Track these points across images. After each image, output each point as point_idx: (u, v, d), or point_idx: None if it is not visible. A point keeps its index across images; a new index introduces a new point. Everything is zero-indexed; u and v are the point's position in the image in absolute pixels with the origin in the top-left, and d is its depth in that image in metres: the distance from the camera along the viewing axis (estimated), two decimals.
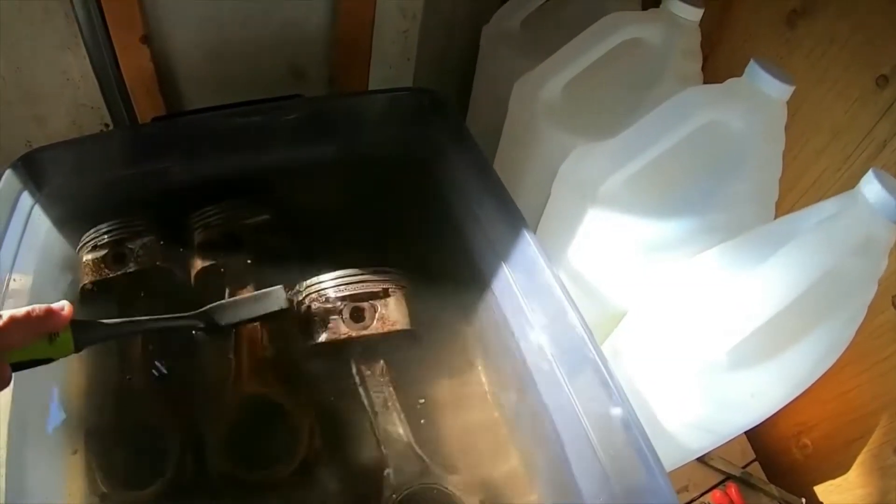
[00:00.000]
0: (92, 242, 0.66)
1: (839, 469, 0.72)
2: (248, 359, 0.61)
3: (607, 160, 0.62)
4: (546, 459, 0.58)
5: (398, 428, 0.58)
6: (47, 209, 0.65)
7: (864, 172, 0.49)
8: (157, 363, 0.61)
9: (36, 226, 0.64)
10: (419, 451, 0.57)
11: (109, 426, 0.59)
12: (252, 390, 0.59)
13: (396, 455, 0.57)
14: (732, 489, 0.77)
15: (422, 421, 0.60)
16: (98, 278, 0.64)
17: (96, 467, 0.56)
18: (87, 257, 0.65)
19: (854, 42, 0.65)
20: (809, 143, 0.70)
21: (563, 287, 0.57)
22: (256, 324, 0.62)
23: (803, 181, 0.72)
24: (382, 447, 0.57)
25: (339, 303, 0.60)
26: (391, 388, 0.59)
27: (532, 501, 0.58)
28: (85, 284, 0.64)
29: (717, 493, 0.77)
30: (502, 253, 0.62)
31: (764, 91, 0.55)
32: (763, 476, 0.81)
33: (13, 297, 0.60)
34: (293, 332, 0.61)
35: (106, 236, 0.65)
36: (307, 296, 0.61)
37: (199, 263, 0.64)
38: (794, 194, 0.73)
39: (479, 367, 0.64)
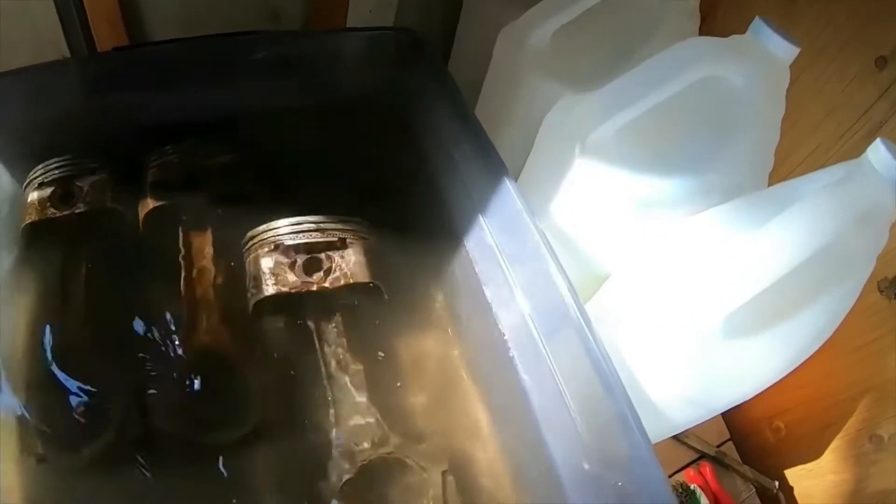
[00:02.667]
0: (39, 179, 0.58)
1: (812, 454, 0.69)
2: (200, 309, 0.54)
3: (598, 109, 0.55)
4: (518, 427, 0.51)
5: (353, 393, 0.51)
6: None
7: (857, 152, 0.45)
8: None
9: None
10: (378, 418, 0.50)
11: (46, 380, 0.52)
12: (203, 345, 0.53)
13: (352, 422, 0.50)
14: (706, 468, 0.71)
15: (383, 385, 0.53)
16: (42, 218, 0.57)
17: (31, 426, 0.49)
18: (33, 195, 0.58)
19: (853, 22, 0.60)
20: (803, 119, 0.65)
21: (546, 241, 0.49)
22: (211, 272, 0.55)
23: (795, 156, 0.67)
24: (338, 413, 0.50)
25: (292, 252, 0.53)
26: (346, 348, 0.52)
27: (500, 472, 0.52)
28: (27, 225, 0.57)
29: (690, 471, 0.71)
30: (481, 205, 0.54)
31: (769, 50, 0.50)
32: (737, 457, 0.75)
33: None
34: (246, 283, 0.54)
35: (54, 173, 0.58)
36: (259, 243, 0.54)
37: (150, 203, 0.57)
38: (784, 168, 0.66)
39: (449, 328, 0.57)
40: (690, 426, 0.61)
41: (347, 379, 0.51)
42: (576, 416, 0.46)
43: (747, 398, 0.53)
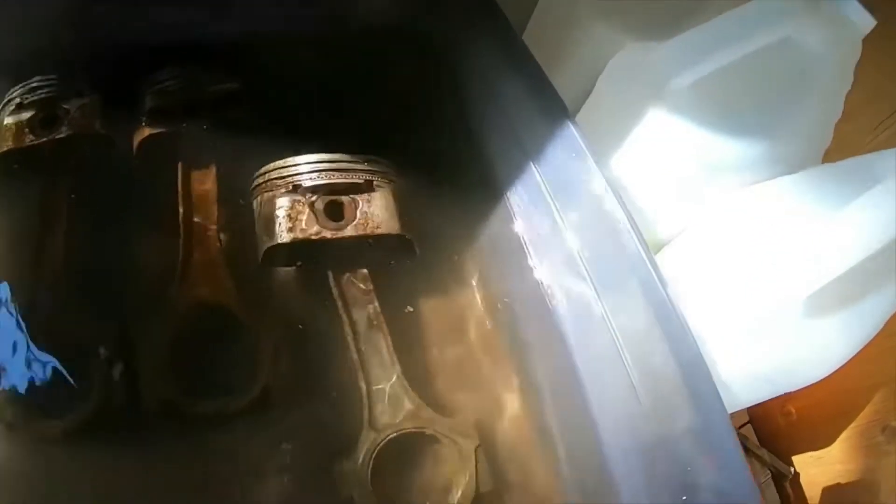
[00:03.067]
0: (17, 101, 0.49)
1: (822, 442, 0.66)
2: (199, 256, 0.46)
3: (673, 59, 0.50)
4: (564, 398, 0.44)
5: (384, 356, 0.44)
6: None
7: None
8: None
9: None
10: (408, 387, 0.43)
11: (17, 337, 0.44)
12: (202, 298, 0.45)
13: (380, 390, 0.43)
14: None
15: (412, 350, 0.45)
16: (18, 146, 0.48)
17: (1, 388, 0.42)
18: (9, 119, 0.49)
19: None
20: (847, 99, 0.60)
21: (614, 190, 0.42)
22: (213, 214, 0.47)
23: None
24: (363, 379, 0.43)
25: (311, 194, 0.45)
26: (376, 304, 0.45)
27: (539, 448, 0.44)
28: (1, 154, 0.48)
29: None
30: (532, 149, 0.46)
31: (850, 18, 0.48)
32: (756, 440, 0.71)
33: None
34: (255, 226, 0.46)
35: (36, 94, 0.49)
36: (271, 181, 0.46)
37: (146, 131, 0.49)
38: None
39: (486, 288, 0.49)
40: (751, 404, 0.56)
41: (378, 341, 0.44)
42: (636, 383, 0.40)
43: (818, 379, 0.49)
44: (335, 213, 0.45)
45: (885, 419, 0.59)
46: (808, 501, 0.67)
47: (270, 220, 0.44)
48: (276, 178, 0.45)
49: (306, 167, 0.45)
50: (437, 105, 0.53)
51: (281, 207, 0.44)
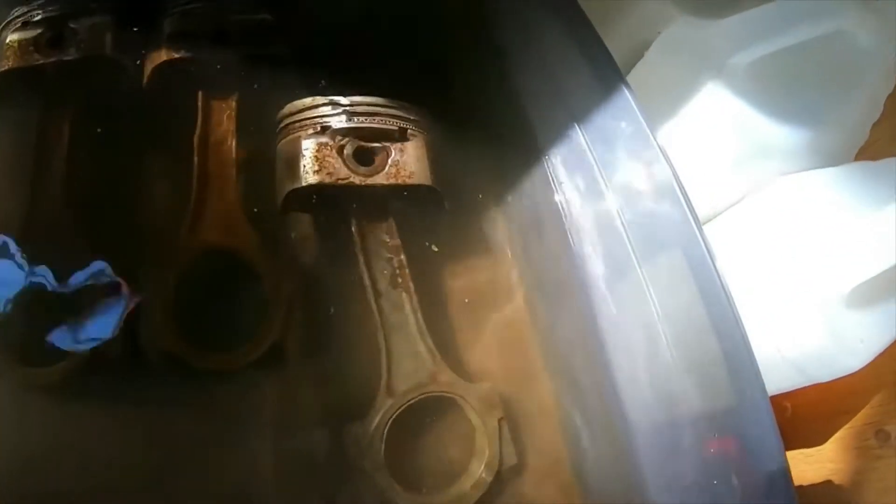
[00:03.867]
0: (23, 18, 0.45)
1: (815, 440, 0.64)
2: (214, 196, 0.42)
3: (733, 37, 0.49)
4: (595, 370, 0.41)
5: (407, 314, 0.40)
6: None
7: None
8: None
9: None
10: (432, 348, 0.40)
11: (8, 272, 0.40)
12: (215, 242, 0.41)
13: (401, 350, 0.40)
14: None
15: (435, 310, 0.42)
16: (22, 65, 0.44)
17: None
18: (14, 37, 0.45)
19: None
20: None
21: (667, 158, 0.39)
22: (231, 150, 0.43)
23: None
24: (384, 338, 0.40)
25: (340, 137, 0.41)
26: (402, 258, 0.41)
27: (565, 423, 0.42)
28: (3, 72, 0.44)
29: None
30: (578, 110, 0.42)
31: None
32: None
33: None
34: (276, 168, 0.43)
35: (44, 11, 0.45)
36: (297, 122, 0.42)
37: (162, 55, 0.44)
38: None
39: (517, 250, 0.46)
40: (779, 392, 0.54)
41: (402, 298, 0.41)
42: (672, 358, 0.37)
43: (848, 372, 0.47)
44: (365, 159, 0.41)
45: (880, 422, 0.58)
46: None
47: (295, 161, 0.41)
48: (303, 119, 0.42)
49: (337, 108, 0.41)
50: (479, 58, 0.49)
51: (307, 149, 0.41)
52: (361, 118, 0.41)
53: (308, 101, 0.42)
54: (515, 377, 0.43)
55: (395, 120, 0.42)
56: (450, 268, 0.45)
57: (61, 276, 0.40)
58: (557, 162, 0.45)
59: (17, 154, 0.44)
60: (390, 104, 0.42)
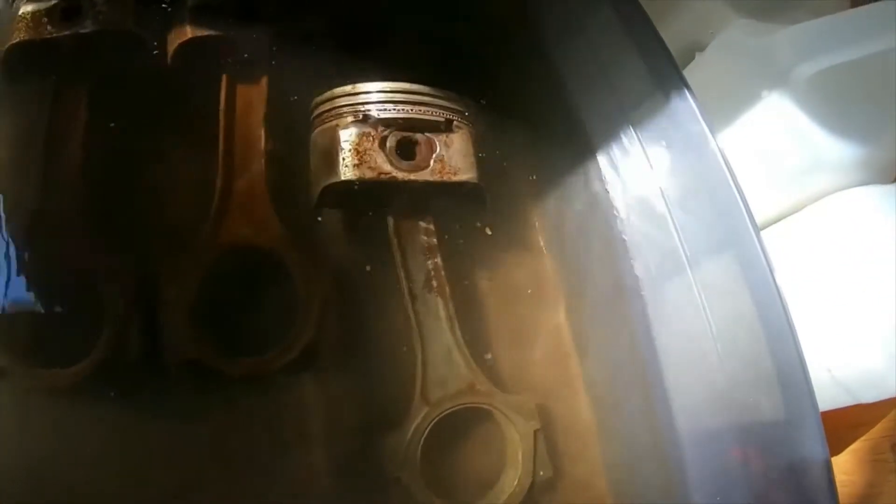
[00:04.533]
0: None
1: (830, 450, 0.63)
2: (241, 188, 0.39)
3: (798, 47, 0.47)
4: (636, 382, 0.39)
5: (442, 320, 0.37)
6: None
7: None
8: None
9: None
10: (468, 357, 0.37)
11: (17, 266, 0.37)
12: (242, 237, 0.38)
13: (436, 357, 0.37)
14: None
15: (473, 316, 0.39)
16: (33, 38, 0.40)
17: None
18: (27, 7, 0.41)
19: None
20: None
21: (726, 161, 0.36)
22: (261, 138, 0.40)
23: None
24: (419, 343, 0.37)
25: (383, 127, 0.38)
26: (439, 261, 0.38)
27: (604, 436, 0.39)
28: (11, 45, 0.40)
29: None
30: (630, 108, 0.39)
31: None
32: None
33: None
34: (310, 159, 0.39)
35: None
36: (334, 109, 0.38)
37: (187, 32, 0.40)
38: None
39: (557, 249, 0.43)
40: (824, 410, 0.53)
41: (438, 303, 0.37)
42: (721, 366, 0.35)
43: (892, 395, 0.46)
44: (407, 152, 0.38)
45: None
46: None
47: (332, 153, 0.37)
48: (342, 106, 0.38)
49: (380, 96, 0.38)
50: (525, 48, 0.45)
51: (347, 140, 0.37)
52: (406, 107, 0.38)
53: (347, 87, 0.39)
54: (553, 386, 0.41)
55: (441, 110, 0.38)
56: (486, 268, 0.42)
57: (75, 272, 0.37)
58: (607, 160, 0.42)
59: (28, 136, 0.41)
60: (436, 93, 0.39)
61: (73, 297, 0.37)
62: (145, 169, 0.40)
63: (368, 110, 0.38)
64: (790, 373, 0.33)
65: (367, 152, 0.37)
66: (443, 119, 0.38)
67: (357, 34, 0.43)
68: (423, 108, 0.38)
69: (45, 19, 0.40)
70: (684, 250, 0.37)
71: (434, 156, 0.38)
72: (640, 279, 0.39)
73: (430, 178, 0.37)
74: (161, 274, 0.37)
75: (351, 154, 0.37)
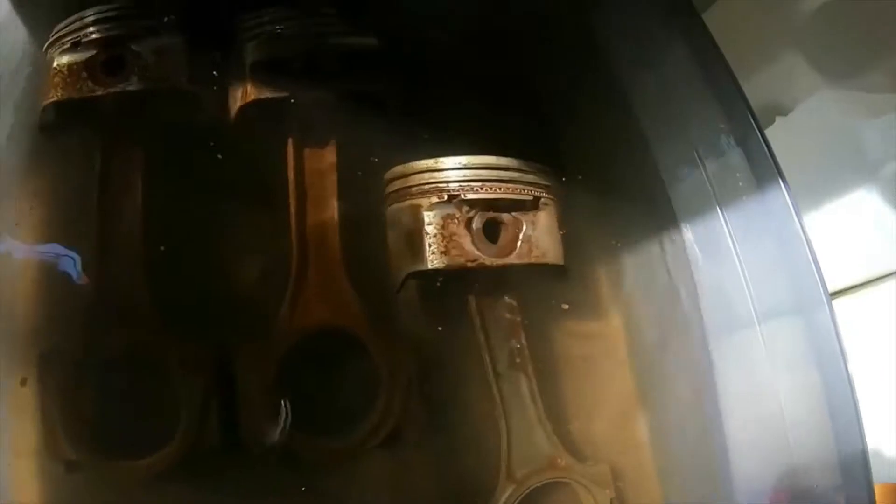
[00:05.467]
0: (72, 37, 0.36)
1: None
2: (316, 265, 0.37)
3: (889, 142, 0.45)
4: (703, 449, 0.40)
5: (525, 397, 0.37)
6: None
7: None
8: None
9: None
10: (550, 432, 0.37)
11: (82, 350, 0.34)
12: (321, 319, 0.36)
13: (520, 434, 0.37)
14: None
15: (551, 390, 0.39)
16: (74, 96, 0.36)
17: (59, 418, 0.33)
18: (63, 60, 0.36)
19: None
20: None
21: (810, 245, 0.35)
22: (333, 209, 0.37)
23: None
24: (504, 421, 0.36)
25: (468, 208, 0.36)
26: (522, 339, 0.37)
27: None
28: (50, 103, 0.36)
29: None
30: (705, 156, 0.38)
31: None
32: None
33: None
34: (388, 235, 0.37)
35: (97, 28, 0.36)
36: (415, 186, 0.36)
37: (251, 92, 0.37)
38: None
39: (628, 311, 0.43)
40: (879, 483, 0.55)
41: (521, 380, 0.37)
42: (788, 433, 0.35)
43: None
44: (493, 233, 0.36)
45: None
46: None
47: (416, 236, 0.35)
48: (424, 183, 0.36)
49: (466, 173, 0.36)
50: (603, 111, 0.43)
51: (431, 223, 0.35)
52: (494, 185, 0.36)
53: (429, 161, 0.36)
54: (621, 450, 0.41)
55: (528, 187, 0.36)
56: (559, 340, 0.41)
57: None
58: (682, 220, 0.41)
59: (77, 203, 0.37)
60: (524, 167, 0.36)
61: (145, 387, 0.35)
62: (208, 239, 0.38)
63: (453, 189, 0.35)
64: (850, 443, 0.34)
65: (454, 237, 0.35)
66: (530, 197, 0.36)
67: (425, 97, 0.40)
68: (510, 186, 0.36)
69: (85, 73, 0.36)
70: (758, 322, 0.37)
71: (521, 236, 0.36)
72: (706, 342, 0.39)
73: (518, 261, 0.36)
74: (238, 361, 0.35)
75: (437, 239, 0.35)
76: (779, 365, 0.36)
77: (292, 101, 0.37)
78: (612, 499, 0.38)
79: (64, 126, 0.37)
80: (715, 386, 0.37)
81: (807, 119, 0.46)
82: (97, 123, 0.37)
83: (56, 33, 0.37)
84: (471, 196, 0.35)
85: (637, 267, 0.41)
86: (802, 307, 0.36)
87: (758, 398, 0.36)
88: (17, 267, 0.37)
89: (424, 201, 0.36)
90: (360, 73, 0.38)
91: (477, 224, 0.36)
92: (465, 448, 0.38)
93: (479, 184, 0.36)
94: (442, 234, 0.35)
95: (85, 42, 0.36)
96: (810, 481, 0.35)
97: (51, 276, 0.37)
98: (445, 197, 0.35)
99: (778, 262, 0.38)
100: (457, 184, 0.36)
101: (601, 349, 0.42)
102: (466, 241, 0.35)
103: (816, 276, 0.35)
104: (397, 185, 0.37)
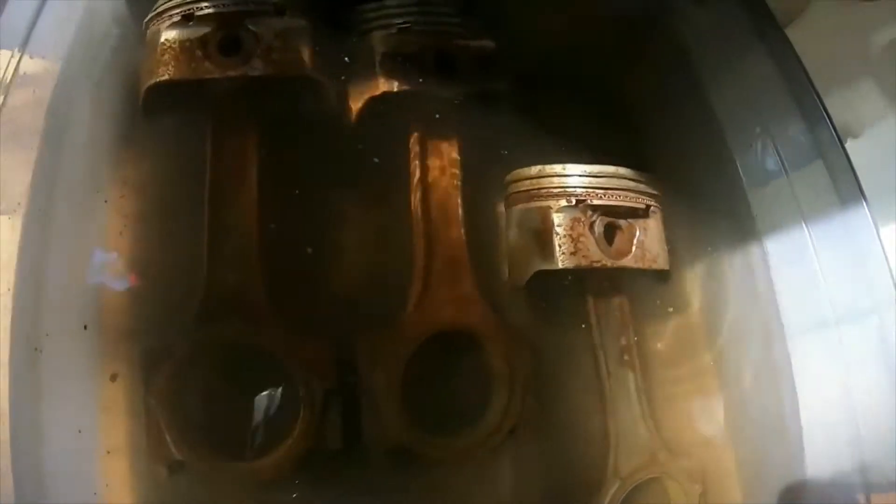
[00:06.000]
0: (183, 9, 0.34)
1: None
2: (441, 265, 0.36)
3: None
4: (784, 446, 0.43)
5: (632, 394, 0.39)
6: None
7: None
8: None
9: None
10: (652, 429, 0.39)
11: (186, 342, 0.32)
12: (446, 318, 0.36)
13: (626, 431, 0.38)
14: None
15: (653, 388, 0.41)
16: (189, 76, 0.33)
17: (164, 418, 0.31)
18: (170, 35, 0.33)
19: None
20: None
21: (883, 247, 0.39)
22: (456, 210, 0.37)
23: None
24: (612, 418, 0.38)
25: (591, 212, 0.37)
26: (633, 336, 0.39)
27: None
28: (156, 83, 0.33)
29: None
30: (807, 207, 0.41)
31: None
32: None
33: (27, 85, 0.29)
34: (510, 234, 0.38)
35: (212, 2, 0.33)
36: (543, 189, 0.37)
37: (382, 84, 0.35)
38: None
39: (714, 316, 0.45)
40: None
41: (629, 377, 0.39)
42: (861, 433, 0.38)
43: None
44: (610, 237, 0.38)
45: None
46: None
47: (545, 236, 0.36)
48: (553, 187, 0.37)
49: (592, 181, 0.37)
50: (691, 123, 0.45)
51: (561, 225, 0.36)
52: (615, 192, 0.37)
53: (557, 167, 0.37)
54: (706, 445, 0.44)
55: (643, 197, 0.38)
56: (657, 339, 0.43)
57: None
58: (765, 228, 0.43)
59: (176, 193, 0.34)
60: (639, 178, 0.38)
61: (259, 386, 0.34)
62: (328, 236, 0.36)
63: (580, 195, 0.37)
64: None
65: (580, 239, 0.36)
66: (644, 205, 0.38)
67: (535, 99, 0.40)
68: (629, 195, 0.38)
69: (200, 52, 0.33)
70: (834, 321, 0.39)
71: (634, 241, 0.38)
72: (787, 344, 0.40)
73: (633, 265, 0.38)
74: (363, 359, 0.34)
75: (567, 241, 0.36)
76: (852, 364, 0.40)
77: (420, 95, 0.36)
78: (700, 493, 0.40)
79: (172, 108, 0.34)
80: (793, 384, 0.41)
81: (872, 146, 0.49)
82: (210, 107, 0.35)
83: (162, 4, 0.34)
84: (596, 202, 0.37)
85: (723, 270, 0.44)
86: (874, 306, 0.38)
87: (832, 396, 0.40)
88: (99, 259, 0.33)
89: (554, 203, 0.36)
90: (484, 71, 0.38)
91: (599, 228, 0.37)
92: (573, 443, 0.39)
93: (602, 191, 0.37)
94: (570, 235, 0.36)
95: (199, 16, 0.34)
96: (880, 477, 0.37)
97: (148, 269, 0.34)
98: (574, 201, 0.36)
99: (854, 268, 0.40)
100: (583, 189, 0.37)
101: (689, 347, 0.44)
102: (591, 243, 0.37)
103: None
104: (523, 186, 0.37)
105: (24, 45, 0.32)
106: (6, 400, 0.27)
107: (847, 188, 0.39)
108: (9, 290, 0.27)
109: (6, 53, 0.31)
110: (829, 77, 0.48)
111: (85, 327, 0.31)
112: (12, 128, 0.31)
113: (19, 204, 0.30)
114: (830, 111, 0.48)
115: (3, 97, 0.30)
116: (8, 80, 0.31)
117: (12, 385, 0.27)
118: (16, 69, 0.31)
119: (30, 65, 0.32)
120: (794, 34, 0.46)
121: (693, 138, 0.45)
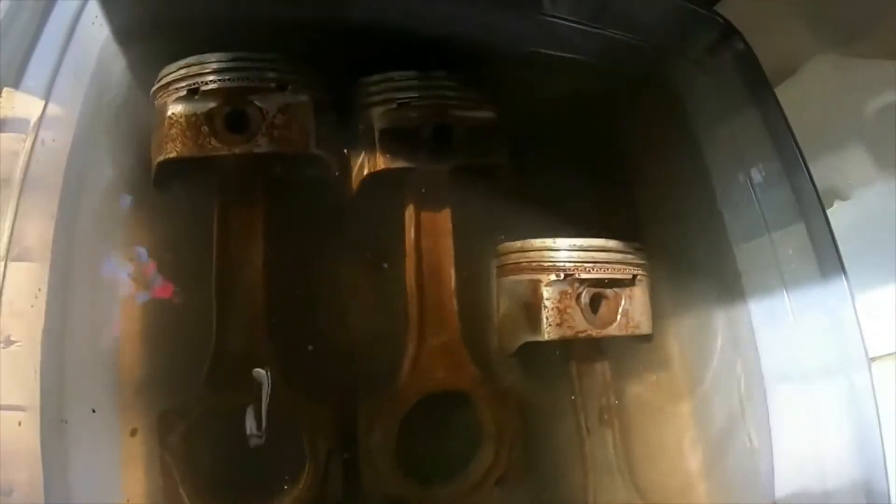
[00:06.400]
0: (188, 83, 0.34)
1: None
2: (434, 329, 0.38)
3: None
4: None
5: (610, 451, 0.41)
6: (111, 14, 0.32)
7: None
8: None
9: (86, 39, 0.32)
10: (628, 480, 0.42)
11: (198, 404, 0.35)
12: (439, 381, 0.38)
13: (603, 485, 0.41)
14: None
15: (630, 446, 0.44)
16: (196, 153, 0.34)
17: (177, 471, 0.34)
18: (176, 109, 0.34)
19: None
20: None
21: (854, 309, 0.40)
22: (449, 279, 0.39)
23: None
24: (592, 474, 0.41)
25: (578, 284, 0.39)
26: (613, 400, 0.42)
27: None
28: (163, 161, 0.34)
29: None
30: (787, 265, 0.43)
31: None
32: None
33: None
34: (499, 304, 0.40)
35: (217, 77, 0.34)
36: (534, 262, 0.39)
37: (381, 161, 0.37)
38: None
39: (693, 373, 0.48)
40: None
41: (608, 434, 0.41)
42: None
43: None
44: (596, 307, 0.40)
45: None
46: None
47: (533, 308, 0.38)
48: (543, 260, 0.38)
49: (580, 255, 0.38)
50: (679, 183, 0.46)
51: (549, 298, 0.38)
52: (603, 265, 0.39)
53: (547, 241, 0.38)
54: (679, 489, 0.46)
55: (630, 267, 0.40)
56: (633, 396, 0.45)
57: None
58: (748, 289, 0.44)
59: (186, 257, 0.36)
60: (626, 249, 0.40)
61: (268, 437, 0.36)
62: (327, 300, 0.38)
63: (569, 269, 0.38)
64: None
65: (567, 311, 0.38)
66: (630, 276, 0.40)
67: (526, 167, 0.41)
68: (616, 267, 0.39)
69: (206, 128, 0.35)
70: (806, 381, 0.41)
71: (620, 310, 0.40)
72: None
73: (618, 333, 0.40)
74: (362, 421, 0.37)
75: (553, 313, 0.38)
76: (822, 421, 0.42)
77: (417, 170, 0.38)
78: None
79: (181, 179, 0.36)
80: (770, 436, 0.43)
81: (860, 212, 0.50)
82: (218, 177, 0.36)
83: (167, 75, 0.35)
84: (584, 276, 0.38)
85: (703, 330, 0.46)
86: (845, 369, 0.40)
87: (803, 450, 0.41)
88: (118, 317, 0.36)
89: (543, 277, 0.38)
90: (479, 144, 0.39)
91: (585, 299, 0.39)
92: (555, 495, 0.42)
93: (591, 265, 0.39)
94: (557, 307, 0.38)
95: (204, 91, 0.34)
96: None
97: (160, 328, 0.36)
98: (562, 276, 0.38)
99: (828, 330, 0.42)
100: (571, 263, 0.38)
101: (667, 403, 0.46)
102: (577, 315, 0.38)
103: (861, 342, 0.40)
104: (513, 258, 0.39)
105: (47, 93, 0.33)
106: (39, 471, 0.30)
107: (827, 257, 0.40)
108: (35, 372, 0.30)
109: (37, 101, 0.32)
110: (819, 137, 0.49)
111: (93, 410, 0.33)
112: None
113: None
114: (820, 172, 0.49)
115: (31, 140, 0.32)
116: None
117: (44, 457, 0.30)
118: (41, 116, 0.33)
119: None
120: (788, 92, 0.47)
121: (683, 193, 0.46)
